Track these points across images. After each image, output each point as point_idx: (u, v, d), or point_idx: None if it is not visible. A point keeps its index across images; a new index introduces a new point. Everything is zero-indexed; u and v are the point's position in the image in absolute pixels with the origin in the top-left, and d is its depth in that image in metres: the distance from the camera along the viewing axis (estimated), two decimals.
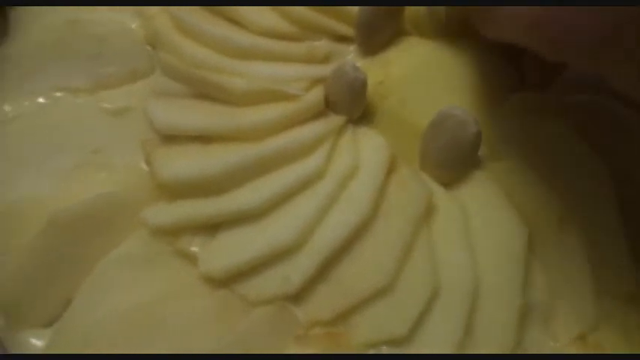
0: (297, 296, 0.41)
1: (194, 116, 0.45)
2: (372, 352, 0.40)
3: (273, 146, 0.44)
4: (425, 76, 0.48)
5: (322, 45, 0.50)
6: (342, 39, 0.50)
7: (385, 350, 0.40)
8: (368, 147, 0.45)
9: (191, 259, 0.42)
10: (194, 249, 0.42)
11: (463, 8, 0.46)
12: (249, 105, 0.45)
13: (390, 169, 0.45)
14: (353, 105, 0.46)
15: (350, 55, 0.50)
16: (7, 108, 0.48)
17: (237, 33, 0.48)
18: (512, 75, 0.49)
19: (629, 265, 0.43)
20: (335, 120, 0.46)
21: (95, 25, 0.50)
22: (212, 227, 0.43)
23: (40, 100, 0.48)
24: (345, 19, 0.50)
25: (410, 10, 0.49)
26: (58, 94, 0.48)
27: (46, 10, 0.51)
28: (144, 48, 0.50)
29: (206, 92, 0.46)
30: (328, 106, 0.47)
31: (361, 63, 0.49)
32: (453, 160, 0.44)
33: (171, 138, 0.45)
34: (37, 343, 0.41)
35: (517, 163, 0.45)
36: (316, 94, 0.46)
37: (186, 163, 0.43)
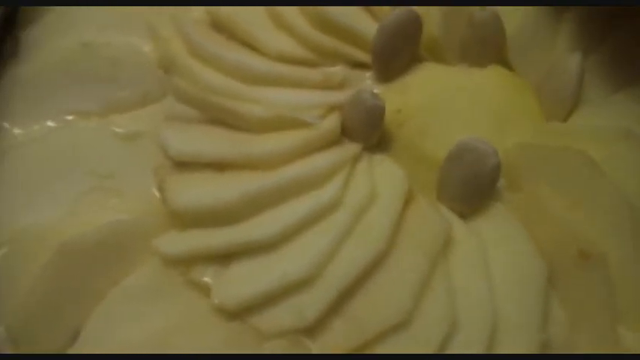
0: (312, 330, 0.41)
1: (208, 143, 0.45)
2: None
3: (288, 175, 0.44)
4: (443, 104, 0.48)
5: (338, 71, 0.50)
6: (358, 65, 0.51)
7: None
8: (385, 177, 0.45)
9: (204, 289, 0.42)
10: (207, 279, 0.42)
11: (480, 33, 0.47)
12: (265, 132, 0.45)
13: (408, 200, 0.44)
14: (370, 133, 0.46)
15: (367, 82, 0.50)
16: (16, 131, 0.48)
17: (253, 58, 0.49)
18: (535, 104, 0.48)
19: None
20: (351, 148, 0.46)
21: (107, 48, 0.49)
22: (225, 257, 0.42)
23: (50, 123, 0.48)
24: (361, 45, 0.50)
25: (426, 35, 0.49)
26: (69, 117, 0.48)
27: (57, 32, 0.51)
28: (156, 72, 0.50)
29: (220, 118, 0.46)
30: (344, 133, 0.46)
31: (378, 89, 0.49)
32: (471, 193, 0.44)
33: (185, 165, 0.45)
34: None
35: (537, 194, 0.44)
36: (332, 122, 0.46)
37: (199, 191, 0.43)
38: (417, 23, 0.48)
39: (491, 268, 0.43)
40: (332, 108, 0.47)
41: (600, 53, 0.49)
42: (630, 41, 0.49)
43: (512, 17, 0.49)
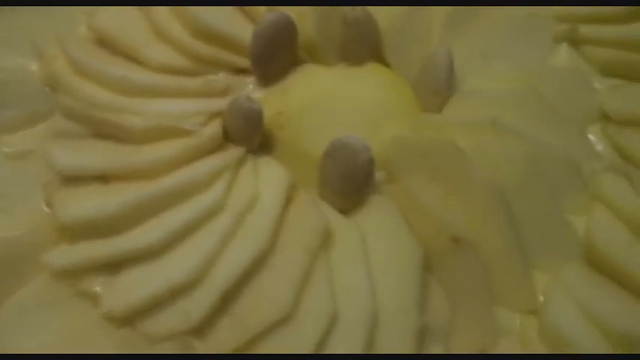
0: (199, 331, 0.42)
1: (92, 156, 0.47)
2: None
3: (169, 183, 0.45)
4: (322, 105, 0.50)
5: (220, 78, 0.52)
6: (240, 71, 0.52)
7: None
8: (268, 177, 0.47)
9: (94, 299, 0.43)
10: (97, 289, 0.43)
11: (359, 32, 0.48)
12: (149, 142, 0.47)
13: (290, 199, 0.46)
14: (250, 136, 0.48)
15: (249, 87, 0.52)
16: None
17: (134, 71, 0.50)
18: (412, 98, 0.50)
19: (525, 280, 0.44)
20: (234, 152, 0.47)
21: None
22: (114, 267, 0.44)
23: None
24: (240, 52, 0.51)
25: (303, 37, 0.51)
26: None
27: None
28: (43, 90, 0.51)
29: (106, 132, 0.48)
30: (228, 138, 0.48)
31: (260, 94, 0.51)
32: (348, 187, 0.46)
33: (72, 179, 0.46)
34: None
35: (413, 184, 0.46)
36: (213, 128, 0.48)
37: (85, 203, 0.45)
38: (291, 26, 0.49)
39: (370, 259, 0.44)
40: (214, 115, 0.48)
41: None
42: None
43: (385, 14, 0.51)
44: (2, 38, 0.52)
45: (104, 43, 0.52)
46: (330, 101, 0.50)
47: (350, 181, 0.45)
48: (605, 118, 0.50)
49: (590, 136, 0.50)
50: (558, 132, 0.48)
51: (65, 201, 0.45)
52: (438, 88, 0.49)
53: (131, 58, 0.51)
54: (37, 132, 0.50)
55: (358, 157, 0.44)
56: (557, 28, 0.53)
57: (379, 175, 0.47)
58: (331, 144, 0.45)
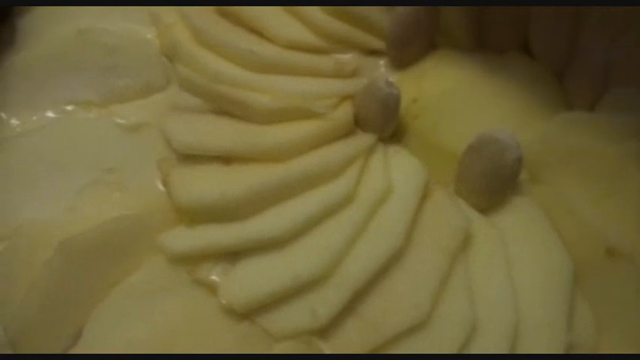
0: (324, 331, 0.40)
1: (214, 135, 0.44)
2: None
3: (298, 168, 0.43)
4: (460, 95, 0.48)
5: (351, 59, 0.49)
6: (371, 52, 0.50)
7: None
8: (401, 169, 0.45)
9: (211, 288, 0.41)
10: (214, 278, 0.41)
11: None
12: (274, 123, 0.45)
13: (425, 194, 0.44)
14: (385, 123, 0.45)
15: (381, 70, 0.50)
16: (14, 122, 0.47)
17: (261, 46, 0.48)
18: (558, 93, 0.47)
19: None
20: (365, 139, 0.45)
21: (108, 35, 0.49)
22: (234, 255, 0.42)
23: (49, 114, 0.47)
24: (374, 32, 0.49)
25: (445, 22, 0.48)
26: (69, 107, 0.48)
27: (54, 19, 0.50)
28: (159, 60, 0.49)
29: (228, 109, 0.45)
30: (357, 123, 0.46)
31: (393, 78, 0.48)
32: (492, 186, 0.43)
33: (190, 157, 0.44)
34: None
35: (562, 187, 0.43)
36: (344, 112, 0.45)
37: (206, 185, 0.42)
38: (432, 12, 0.47)
39: (513, 266, 0.42)
40: (344, 97, 0.46)
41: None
42: None
43: None
44: (116, 4, 0.50)
45: (226, 13, 0.49)
46: (470, 91, 0.47)
47: (495, 179, 0.43)
48: None
49: None
50: None
51: (183, 181, 0.43)
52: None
53: (255, 31, 0.49)
54: (152, 103, 0.48)
55: (508, 154, 0.42)
56: None
57: (523, 175, 0.44)
58: (478, 137, 0.42)
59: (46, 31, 0.50)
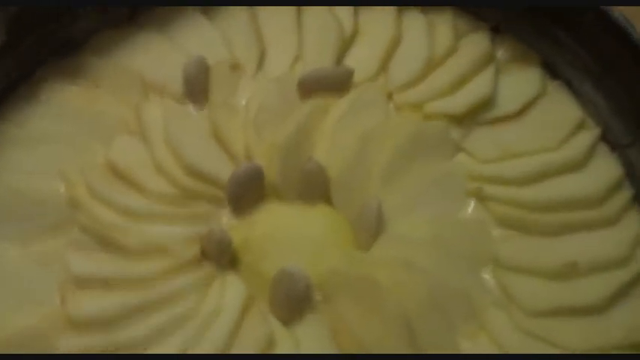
0: None
1: (99, 266, 0.62)
2: None
3: (154, 294, 0.60)
4: (279, 236, 0.64)
5: (202, 207, 0.66)
6: (219, 202, 0.66)
7: None
8: (231, 292, 0.62)
9: None
10: None
11: (313, 179, 0.63)
12: (143, 258, 0.62)
13: (246, 310, 0.61)
14: (221, 258, 0.63)
15: (225, 216, 0.66)
16: None
17: (137, 199, 0.65)
18: (348, 234, 0.65)
19: None
20: (206, 270, 0.62)
21: (32, 191, 0.65)
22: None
23: None
24: (220, 186, 0.66)
25: (269, 179, 0.65)
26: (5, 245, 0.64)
27: None
28: (67, 208, 0.65)
29: (111, 247, 0.63)
30: (204, 255, 0.63)
31: (233, 222, 0.66)
32: (290, 306, 0.60)
33: (83, 282, 0.61)
34: None
35: (341, 305, 0.60)
36: (191, 250, 0.62)
37: (89, 305, 0.59)
38: (260, 174, 0.64)
39: None
40: (195, 238, 0.63)
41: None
42: None
43: (334, 164, 0.65)
44: (40, 167, 0.67)
45: (116, 172, 0.66)
46: (286, 233, 0.64)
47: (291, 301, 0.60)
48: (496, 262, 0.63)
49: (484, 276, 0.63)
50: (457, 272, 0.62)
51: (75, 300, 0.60)
52: (368, 231, 0.63)
53: (137, 187, 0.65)
54: (60, 241, 0.64)
55: (299, 284, 0.59)
56: (469, 186, 0.67)
57: (317, 295, 0.61)
58: (279, 271, 0.60)
59: None
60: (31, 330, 0.59)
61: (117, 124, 0.70)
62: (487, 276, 0.64)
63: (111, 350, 0.58)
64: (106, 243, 0.63)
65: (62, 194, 0.66)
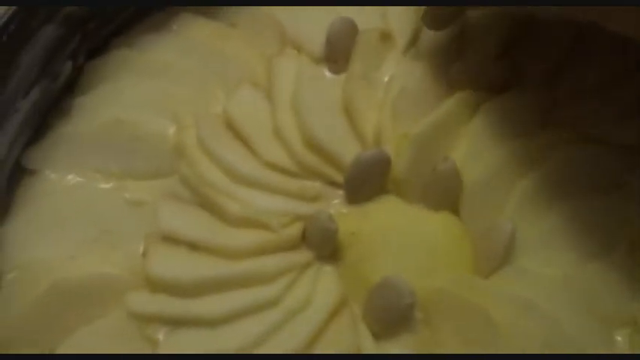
0: None
1: (189, 225, 0.56)
2: None
3: (241, 269, 0.54)
4: (391, 237, 0.57)
5: (314, 186, 0.59)
6: (333, 184, 0.60)
7: None
8: (325, 287, 0.55)
9: (153, 345, 0.52)
10: (159, 337, 0.52)
11: (440, 181, 0.56)
12: (238, 226, 0.56)
13: (338, 310, 0.54)
14: (322, 247, 0.56)
15: (336, 200, 0.59)
16: (53, 177, 0.60)
17: (244, 162, 0.59)
18: (468, 253, 0.57)
19: None
20: (302, 256, 0.56)
21: (137, 127, 0.60)
22: (177, 323, 0.53)
23: (79, 177, 0.59)
24: (339, 168, 0.59)
25: (395, 172, 0.58)
26: (96, 174, 0.60)
27: (102, 105, 0.62)
28: (170, 154, 0.60)
29: (208, 206, 0.57)
30: (304, 240, 0.56)
31: (344, 210, 0.59)
32: (387, 320, 0.53)
33: (169, 238, 0.56)
34: None
35: (442, 334, 0.53)
36: (293, 231, 0.56)
37: (171, 265, 0.54)
38: (386, 163, 0.57)
39: None
40: (298, 217, 0.56)
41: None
42: None
43: (471, 171, 0.57)
44: (153, 100, 0.62)
45: (231, 126, 0.61)
46: (399, 236, 0.57)
47: (390, 315, 0.53)
48: (637, 326, 0.54)
49: (617, 338, 0.54)
50: (585, 325, 0.53)
51: (157, 255, 0.55)
52: (493, 256, 0.55)
53: (249, 149, 0.60)
54: (155, 186, 0.59)
55: (402, 299, 0.51)
56: (625, 230, 0.56)
57: (418, 315, 0.54)
58: (383, 279, 0.52)
59: (93, 113, 0.61)
60: (107, 278, 0.55)
61: (244, 72, 0.65)
62: (620, 339, 0.54)
63: (180, 319, 0.53)
64: (203, 202, 0.58)
65: (170, 137, 0.61)
